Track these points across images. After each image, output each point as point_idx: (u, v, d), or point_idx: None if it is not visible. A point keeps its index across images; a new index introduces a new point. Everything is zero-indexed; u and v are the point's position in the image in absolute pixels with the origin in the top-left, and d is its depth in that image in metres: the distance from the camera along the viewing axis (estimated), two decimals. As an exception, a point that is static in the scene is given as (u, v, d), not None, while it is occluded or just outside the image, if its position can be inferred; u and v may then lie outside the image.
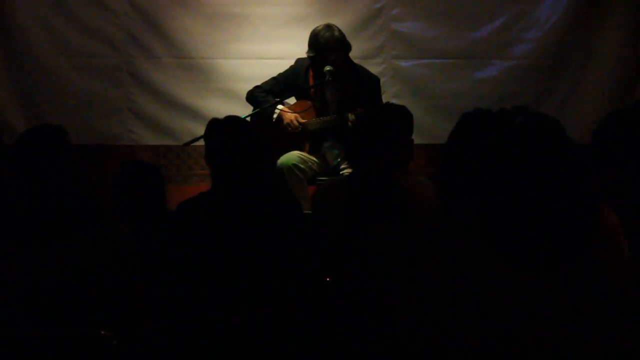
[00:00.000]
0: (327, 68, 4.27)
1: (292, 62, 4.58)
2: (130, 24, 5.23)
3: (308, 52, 4.39)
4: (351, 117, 4.20)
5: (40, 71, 5.21)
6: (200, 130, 2.91)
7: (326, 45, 4.28)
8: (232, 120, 2.70)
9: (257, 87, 4.52)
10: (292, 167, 4.31)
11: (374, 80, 4.49)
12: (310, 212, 3.62)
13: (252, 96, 4.49)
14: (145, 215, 2.92)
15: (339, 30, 4.35)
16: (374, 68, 4.97)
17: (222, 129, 2.66)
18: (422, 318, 1.32)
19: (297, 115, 4.39)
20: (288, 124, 4.39)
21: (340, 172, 4.36)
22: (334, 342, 2.15)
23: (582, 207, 1.28)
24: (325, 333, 2.25)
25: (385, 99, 4.74)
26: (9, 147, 4.81)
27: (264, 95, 4.44)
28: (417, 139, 2.90)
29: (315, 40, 4.33)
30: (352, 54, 4.47)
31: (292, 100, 4.56)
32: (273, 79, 4.55)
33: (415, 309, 1.34)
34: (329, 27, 4.34)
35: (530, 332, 1.24)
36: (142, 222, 2.85)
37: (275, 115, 4.43)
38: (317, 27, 4.38)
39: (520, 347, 1.24)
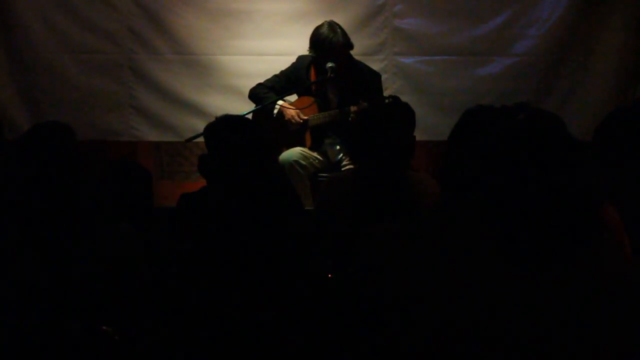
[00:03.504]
0: (329, 64, 4.27)
1: (293, 59, 4.58)
2: (132, 20, 5.23)
3: (310, 50, 4.39)
4: (353, 108, 4.21)
5: (42, 67, 5.22)
6: (202, 126, 2.91)
7: (329, 49, 4.28)
8: (232, 118, 2.71)
9: (259, 84, 4.52)
10: (294, 164, 4.32)
11: (375, 76, 4.49)
12: (311, 208, 3.62)
13: (254, 93, 4.49)
14: (132, 214, 2.91)
15: (342, 33, 4.32)
16: (375, 65, 4.97)
17: (219, 130, 2.67)
18: (423, 315, 1.32)
19: (298, 111, 4.39)
20: (289, 119, 4.40)
21: (342, 169, 4.37)
22: (335, 338, 2.16)
23: (583, 204, 1.28)
24: (327, 329, 2.26)
25: (387, 95, 4.74)
26: (12, 142, 4.83)
27: (266, 92, 4.44)
28: (418, 135, 2.90)
29: (317, 43, 4.32)
30: (353, 51, 4.46)
31: (293, 97, 4.56)
32: (275, 76, 4.55)
33: (416, 306, 1.34)
34: (332, 29, 4.31)
35: (531, 329, 1.25)
36: (131, 221, 2.85)
37: (275, 111, 4.43)
38: (321, 27, 4.35)
39: (521, 344, 1.25)
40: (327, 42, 4.27)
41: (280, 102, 4.43)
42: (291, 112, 4.40)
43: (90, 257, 2.10)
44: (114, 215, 2.82)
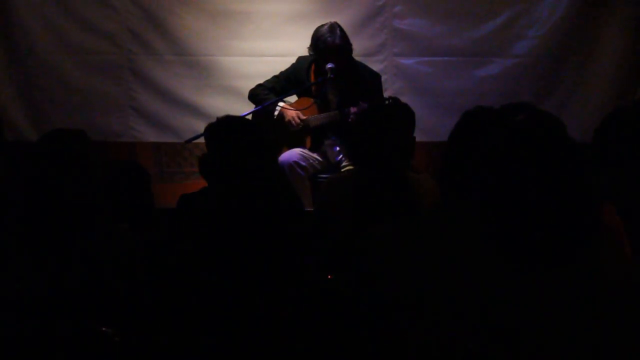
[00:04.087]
0: (329, 65, 4.27)
1: (293, 60, 4.58)
2: (132, 21, 5.23)
3: (309, 49, 4.40)
4: (353, 110, 4.21)
5: (42, 69, 5.22)
6: (202, 127, 2.92)
7: (326, 50, 4.29)
8: (228, 120, 2.71)
9: (259, 85, 4.52)
10: (294, 165, 4.32)
11: (375, 76, 4.49)
12: (311, 209, 3.62)
13: (254, 94, 4.49)
14: (132, 215, 2.91)
15: (342, 35, 4.33)
16: (375, 65, 4.97)
17: (219, 131, 2.67)
18: (424, 316, 1.32)
19: (298, 112, 4.40)
20: (289, 120, 4.40)
21: (342, 170, 4.37)
22: (335, 339, 2.16)
23: (582, 206, 1.28)
24: (327, 330, 2.25)
25: (386, 96, 4.75)
26: (13, 143, 4.83)
27: (266, 93, 4.45)
28: (418, 136, 2.91)
29: (316, 42, 4.33)
30: (353, 52, 4.46)
31: (293, 98, 4.56)
32: (275, 77, 4.55)
33: (415, 307, 1.34)
34: (332, 30, 4.32)
35: (531, 329, 1.25)
36: (131, 222, 2.86)
37: (276, 113, 4.43)
38: (322, 27, 4.36)
39: (522, 344, 1.25)
40: (323, 42, 4.28)
41: (280, 104, 4.43)
42: (291, 113, 4.40)
43: (89, 258, 2.10)
44: (115, 216, 2.83)
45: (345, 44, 4.33)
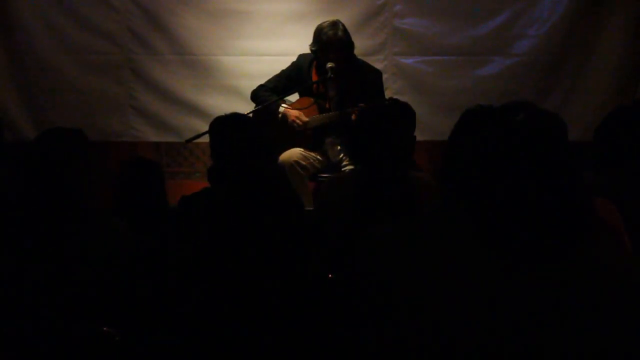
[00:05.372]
0: (329, 65, 4.27)
1: (293, 59, 4.58)
2: (132, 21, 5.24)
3: (311, 45, 4.39)
4: (353, 116, 4.21)
5: (42, 68, 5.22)
6: (202, 126, 2.92)
7: (327, 43, 4.28)
8: (234, 117, 2.71)
9: (261, 85, 4.52)
10: (294, 164, 4.32)
11: (376, 74, 4.49)
12: (311, 208, 3.62)
13: (256, 95, 4.50)
14: (148, 211, 2.94)
15: (344, 30, 4.33)
16: (376, 65, 4.96)
17: (224, 126, 2.68)
18: (421, 316, 1.32)
19: (300, 112, 4.40)
20: (293, 121, 4.40)
21: (342, 169, 4.37)
22: (336, 339, 2.16)
23: (579, 205, 1.28)
24: (328, 330, 2.26)
25: (387, 95, 4.75)
26: (14, 144, 4.83)
27: (268, 95, 4.45)
28: (419, 135, 2.91)
29: (318, 36, 4.34)
30: (354, 51, 4.47)
31: (293, 98, 4.56)
32: (276, 76, 4.55)
33: (414, 307, 1.34)
34: (334, 25, 4.33)
35: (530, 328, 1.25)
36: (145, 218, 2.87)
37: (280, 115, 4.42)
38: (324, 22, 4.38)
39: (519, 344, 1.25)
40: (325, 35, 4.28)
41: (284, 105, 4.42)
42: (293, 115, 4.40)
43: (89, 257, 2.10)
44: (127, 213, 2.84)
45: (346, 38, 4.33)
